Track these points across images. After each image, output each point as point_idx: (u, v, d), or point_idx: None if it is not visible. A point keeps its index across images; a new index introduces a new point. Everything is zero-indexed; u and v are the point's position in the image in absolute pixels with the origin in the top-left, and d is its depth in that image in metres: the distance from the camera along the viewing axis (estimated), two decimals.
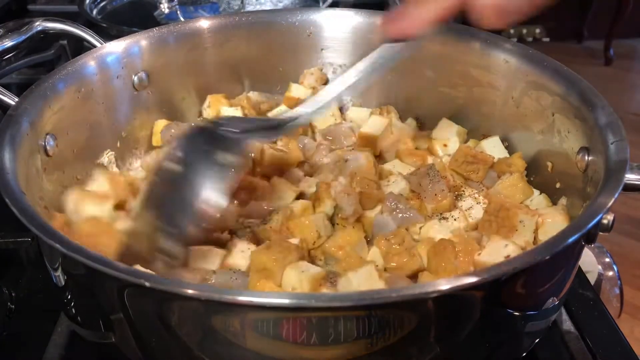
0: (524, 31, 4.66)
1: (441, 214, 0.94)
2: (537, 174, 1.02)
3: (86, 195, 0.92)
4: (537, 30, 4.66)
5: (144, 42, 1.11)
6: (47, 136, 0.90)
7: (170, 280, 0.60)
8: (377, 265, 0.83)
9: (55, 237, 0.65)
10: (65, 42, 1.54)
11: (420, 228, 0.92)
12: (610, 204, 0.69)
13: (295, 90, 1.20)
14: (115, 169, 1.08)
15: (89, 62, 1.02)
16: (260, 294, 0.59)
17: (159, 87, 1.14)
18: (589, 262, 1.22)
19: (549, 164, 0.98)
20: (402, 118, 1.20)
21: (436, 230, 0.91)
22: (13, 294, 0.99)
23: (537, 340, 0.84)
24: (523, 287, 0.69)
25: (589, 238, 0.75)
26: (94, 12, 1.71)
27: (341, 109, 1.22)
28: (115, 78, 1.07)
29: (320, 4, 1.71)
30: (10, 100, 0.89)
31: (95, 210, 0.90)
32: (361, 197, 0.93)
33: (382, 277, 0.79)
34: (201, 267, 0.84)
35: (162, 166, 0.83)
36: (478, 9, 0.76)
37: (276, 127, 0.89)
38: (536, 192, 0.98)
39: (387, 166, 1.06)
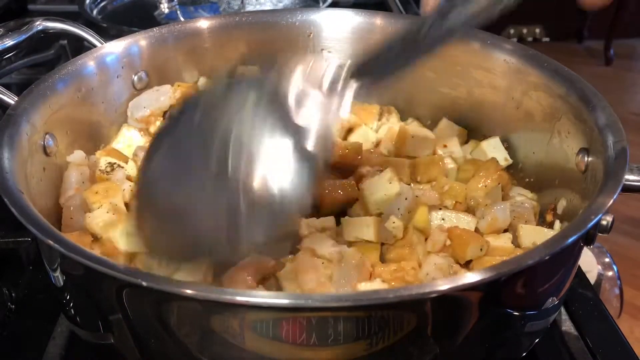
0: (524, 31, 4.67)
1: None
2: (536, 175, 1.02)
3: None
4: (537, 30, 4.67)
5: (143, 42, 1.11)
6: (47, 136, 0.90)
7: (168, 280, 0.60)
8: None
9: (54, 237, 0.65)
10: (65, 42, 1.54)
11: None
12: (609, 205, 0.69)
13: None
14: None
15: (89, 62, 1.02)
16: (259, 294, 0.59)
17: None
18: (589, 262, 1.23)
19: (549, 164, 0.98)
20: (403, 118, 1.20)
21: None
22: (13, 294, 0.99)
23: (537, 340, 0.84)
24: (522, 287, 0.69)
25: (588, 239, 0.75)
26: (94, 12, 1.71)
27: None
28: (115, 78, 1.07)
29: (320, 4, 1.71)
30: (10, 100, 0.89)
31: None
32: None
33: None
34: None
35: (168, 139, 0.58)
36: None
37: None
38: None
39: None
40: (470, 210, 0.97)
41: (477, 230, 0.93)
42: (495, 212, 0.92)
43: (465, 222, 0.92)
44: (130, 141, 1.07)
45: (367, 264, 0.84)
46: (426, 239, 0.91)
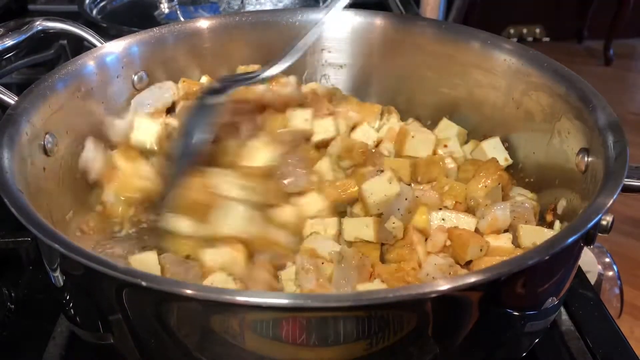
0: (524, 31, 4.67)
1: None
2: (536, 175, 1.02)
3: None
4: (537, 30, 4.66)
5: (144, 42, 1.11)
6: (47, 135, 0.90)
7: (167, 280, 0.60)
8: None
9: (54, 237, 0.65)
10: (65, 42, 1.54)
11: None
12: (608, 205, 0.69)
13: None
14: None
15: (89, 62, 1.02)
16: (258, 294, 0.59)
17: None
18: (589, 262, 1.23)
19: (549, 164, 0.98)
20: (403, 118, 1.20)
21: None
22: (13, 294, 0.99)
23: (537, 340, 0.84)
24: (522, 287, 0.69)
25: (588, 239, 0.75)
26: (94, 12, 1.71)
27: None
28: (115, 78, 1.07)
29: (320, 4, 1.71)
30: (10, 99, 0.89)
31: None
32: None
33: None
34: None
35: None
36: None
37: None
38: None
39: None
40: (470, 210, 0.97)
41: (477, 230, 0.93)
42: (495, 212, 0.92)
43: (465, 222, 0.92)
44: (150, 129, 1.07)
45: (367, 264, 0.84)
46: (426, 239, 0.91)
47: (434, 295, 0.61)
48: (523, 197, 0.99)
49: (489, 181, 0.97)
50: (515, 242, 0.91)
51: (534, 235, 0.89)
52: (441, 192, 0.97)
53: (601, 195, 0.70)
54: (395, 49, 1.19)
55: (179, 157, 0.96)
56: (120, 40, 1.08)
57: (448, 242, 0.90)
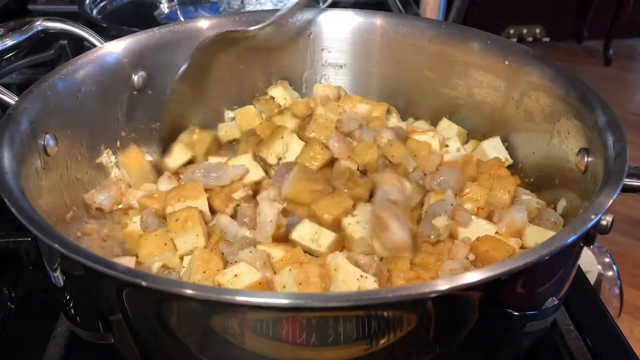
0: (524, 31, 4.67)
1: None
2: (536, 175, 1.02)
3: None
4: (537, 30, 4.67)
5: (144, 42, 1.11)
6: (47, 135, 0.90)
7: (167, 280, 0.60)
8: None
9: (54, 237, 0.65)
10: (65, 42, 1.54)
11: None
12: (608, 205, 0.69)
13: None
14: (115, 170, 1.08)
15: (89, 62, 1.02)
16: (258, 293, 0.59)
17: (158, 87, 1.13)
18: (589, 262, 1.23)
19: (549, 164, 0.98)
20: (403, 118, 1.20)
21: None
22: (13, 294, 0.99)
23: (537, 340, 0.84)
24: (522, 287, 0.69)
25: (588, 239, 0.75)
26: (94, 12, 1.71)
27: None
28: (115, 78, 1.07)
29: (321, 4, 1.71)
30: (11, 99, 0.89)
31: None
32: None
33: None
34: None
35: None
36: None
37: None
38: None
39: None
40: (489, 215, 0.95)
41: (495, 233, 0.92)
42: (513, 216, 0.91)
43: (484, 229, 0.91)
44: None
45: (384, 270, 0.84)
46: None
47: (433, 295, 0.61)
48: (528, 197, 0.98)
49: (508, 189, 0.96)
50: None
51: (539, 236, 0.88)
52: (461, 195, 0.96)
53: (601, 195, 0.71)
54: (395, 49, 1.19)
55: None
56: (120, 40, 1.08)
57: (472, 257, 0.88)
